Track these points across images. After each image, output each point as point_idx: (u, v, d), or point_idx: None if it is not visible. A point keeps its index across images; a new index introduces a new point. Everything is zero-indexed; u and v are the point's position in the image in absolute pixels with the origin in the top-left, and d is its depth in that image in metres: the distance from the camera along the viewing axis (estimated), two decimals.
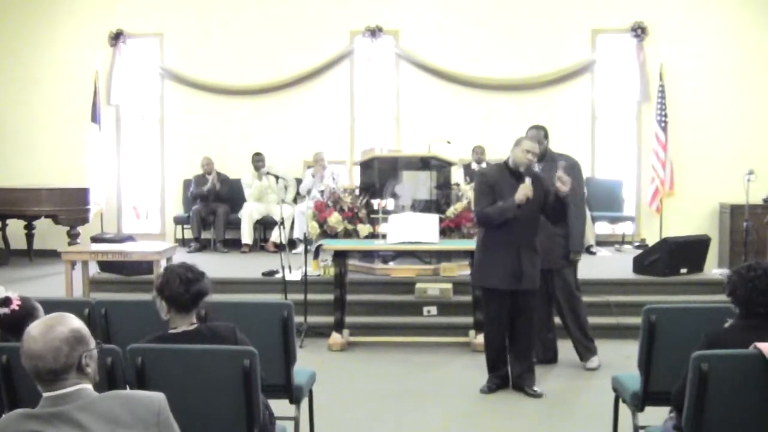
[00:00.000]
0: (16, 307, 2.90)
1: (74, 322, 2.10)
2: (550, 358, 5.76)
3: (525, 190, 4.80)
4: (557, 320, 5.78)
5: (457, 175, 8.48)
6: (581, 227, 5.60)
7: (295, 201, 9.45)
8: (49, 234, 9.68)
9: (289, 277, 6.80)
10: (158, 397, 2.11)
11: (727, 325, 3.08)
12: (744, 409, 2.81)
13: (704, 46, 9.65)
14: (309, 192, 8.80)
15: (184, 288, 2.93)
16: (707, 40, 9.64)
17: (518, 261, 4.90)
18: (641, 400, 3.62)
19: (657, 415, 3.48)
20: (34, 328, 2.06)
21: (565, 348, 6.01)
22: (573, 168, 5.41)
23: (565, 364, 5.76)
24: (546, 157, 5.47)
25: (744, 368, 2.78)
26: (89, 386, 2.07)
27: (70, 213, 8.88)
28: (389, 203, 7.38)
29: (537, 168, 5.29)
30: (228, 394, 2.88)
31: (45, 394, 2.03)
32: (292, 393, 3.72)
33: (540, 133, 5.48)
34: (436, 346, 6.29)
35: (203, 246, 9.37)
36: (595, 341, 5.75)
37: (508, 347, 5.12)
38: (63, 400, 2.01)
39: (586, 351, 5.72)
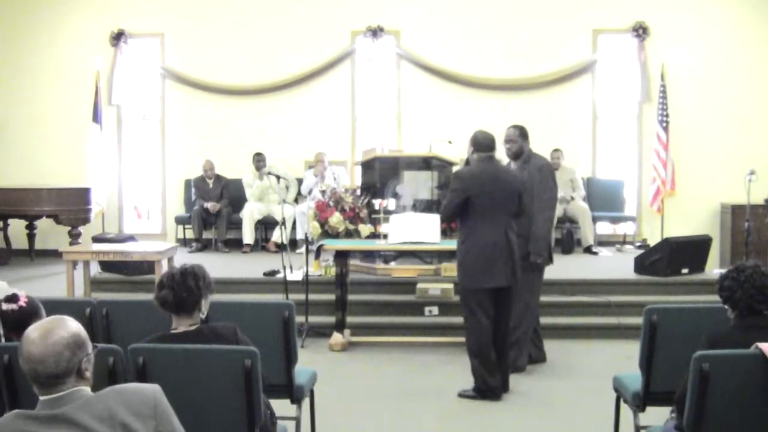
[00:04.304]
0: (24, 304, 2.90)
1: (73, 326, 2.07)
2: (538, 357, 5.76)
3: None
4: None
5: None
6: (543, 229, 5.45)
7: (296, 201, 9.44)
8: (50, 234, 9.69)
9: (290, 277, 6.80)
10: (153, 389, 2.11)
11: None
12: (745, 409, 2.81)
13: (706, 46, 9.64)
14: (310, 192, 8.81)
15: (173, 295, 2.93)
16: (708, 40, 9.63)
17: None
18: (642, 400, 3.62)
19: (658, 415, 3.49)
20: (33, 332, 2.03)
21: (566, 349, 6.02)
22: (541, 170, 5.51)
23: (566, 364, 5.76)
24: (523, 156, 5.54)
25: (745, 368, 2.79)
26: (86, 388, 2.06)
27: (72, 213, 8.88)
28: (390, 203, 7.38)
29: (513, 166, 5.49)
30: (229, 394, 2.88)
31: (42, 398, 2.01)
32: (293, 393, 3.72)
33: (515, 131, 5.55)
34: (437, 346, 6.29)
35: (204, 246, 9.37)
36: (598, 341, 5.73)
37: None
38: (60, 402, 2.00)
39: None
